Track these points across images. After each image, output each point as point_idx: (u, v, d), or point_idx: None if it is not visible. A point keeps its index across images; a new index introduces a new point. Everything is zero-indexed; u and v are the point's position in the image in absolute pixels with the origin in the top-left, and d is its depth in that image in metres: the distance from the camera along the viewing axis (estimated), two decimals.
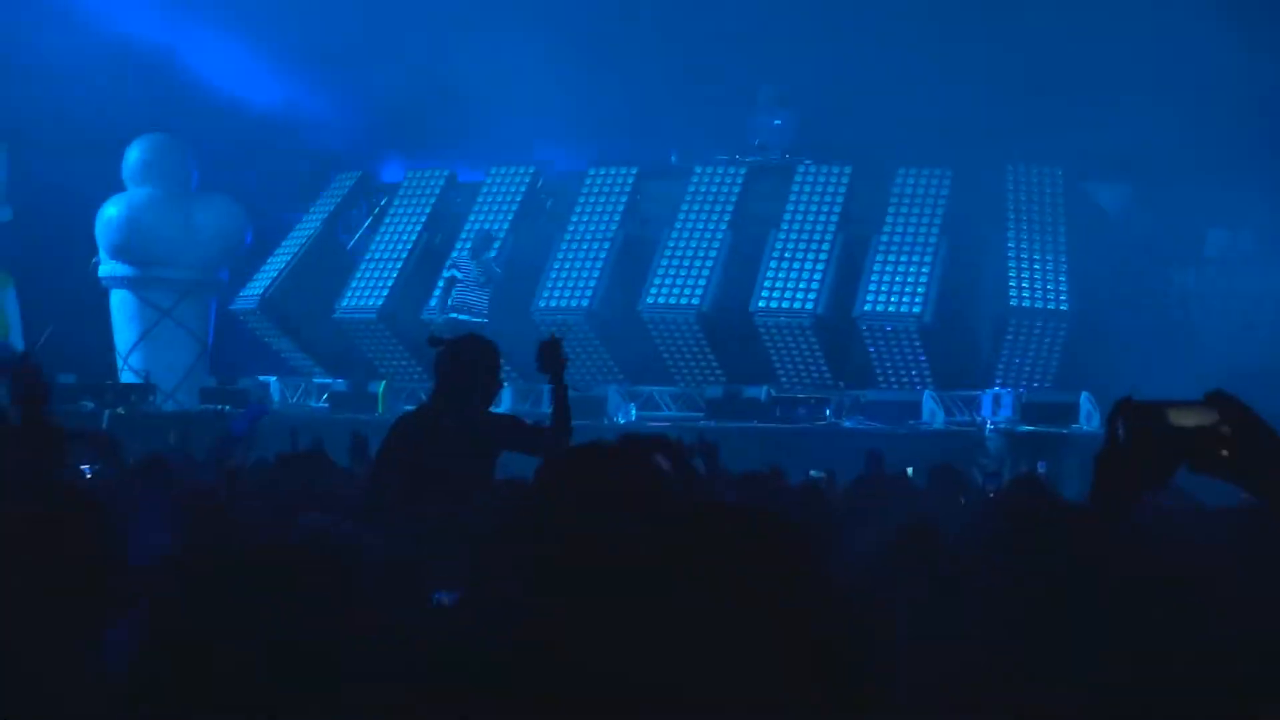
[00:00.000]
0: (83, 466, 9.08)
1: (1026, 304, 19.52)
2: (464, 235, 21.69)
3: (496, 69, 21.31)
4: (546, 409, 18.23)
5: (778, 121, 22.41)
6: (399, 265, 22.32)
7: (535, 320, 20.11)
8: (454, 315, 19.22)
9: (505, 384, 7.42)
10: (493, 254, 20.35)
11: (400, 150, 24.14)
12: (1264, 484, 2.50)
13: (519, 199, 22.50)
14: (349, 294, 22.21)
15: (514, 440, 7.38)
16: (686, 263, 20.80)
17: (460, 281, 19.75)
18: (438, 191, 23.18)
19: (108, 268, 23.83)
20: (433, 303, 20.46)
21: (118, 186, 23.87)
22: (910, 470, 11.53)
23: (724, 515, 2.31)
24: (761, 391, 19.20)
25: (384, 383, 21.03)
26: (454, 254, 20.92)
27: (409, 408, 7.91)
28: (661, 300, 20.56)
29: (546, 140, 22.79)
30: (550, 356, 7.27)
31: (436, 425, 7.18)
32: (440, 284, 20.29)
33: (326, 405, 21.05)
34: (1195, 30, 18.28)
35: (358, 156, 23.98)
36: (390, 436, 7.27)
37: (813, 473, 12.23)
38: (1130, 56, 19.11)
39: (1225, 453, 2.49)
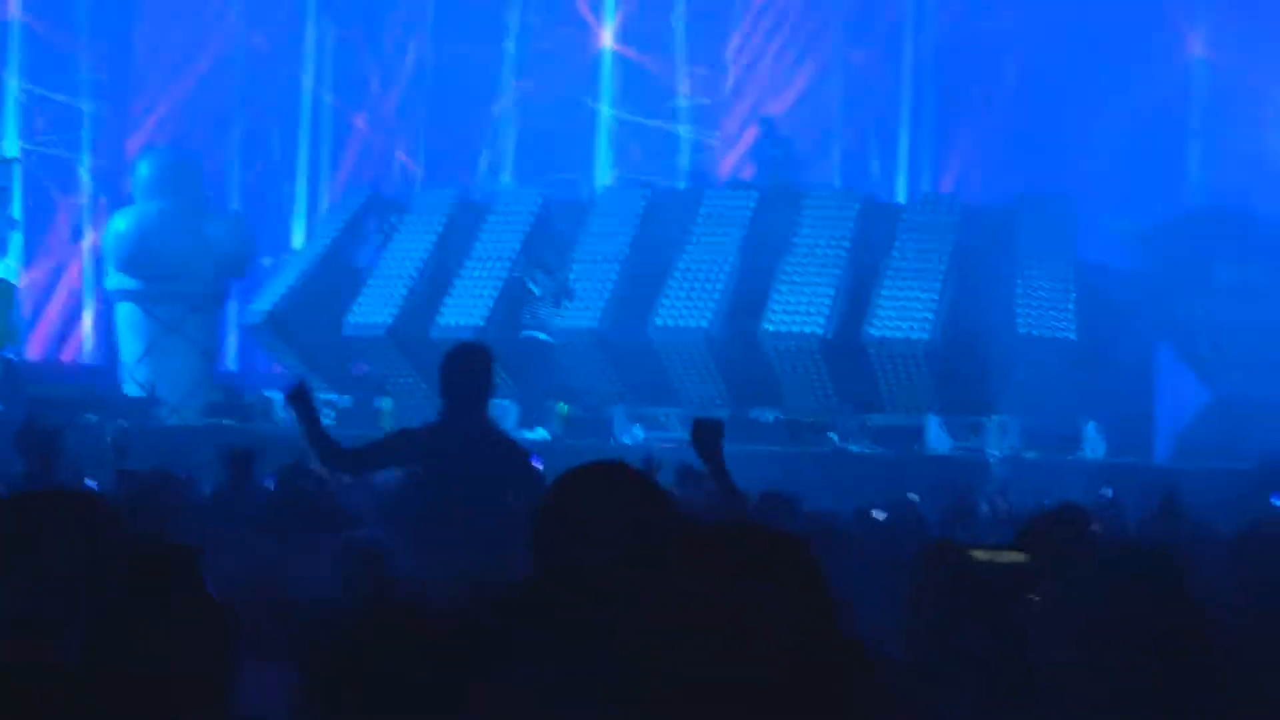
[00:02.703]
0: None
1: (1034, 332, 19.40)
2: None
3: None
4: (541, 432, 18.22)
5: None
6: (408, 282, 22.08)
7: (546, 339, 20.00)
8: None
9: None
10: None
11: None
12: None
13: (531, 220, 22.25)
14: (356, 310, 21.96)
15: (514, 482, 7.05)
16: (697, 285, 20.64)
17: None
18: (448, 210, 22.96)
19: (114, 280, 23.75)
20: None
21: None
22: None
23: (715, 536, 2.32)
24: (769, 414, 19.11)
25: (389, 400, 20.83)
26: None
27: (415, 425, 7.86)
28: (670, 322, 20.41)
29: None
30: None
31: (451, 437, 7.17)
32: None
33: (332, 421, 20.79)
34: None
35: None
36: (402, 449, 7.34)
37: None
38: None
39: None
